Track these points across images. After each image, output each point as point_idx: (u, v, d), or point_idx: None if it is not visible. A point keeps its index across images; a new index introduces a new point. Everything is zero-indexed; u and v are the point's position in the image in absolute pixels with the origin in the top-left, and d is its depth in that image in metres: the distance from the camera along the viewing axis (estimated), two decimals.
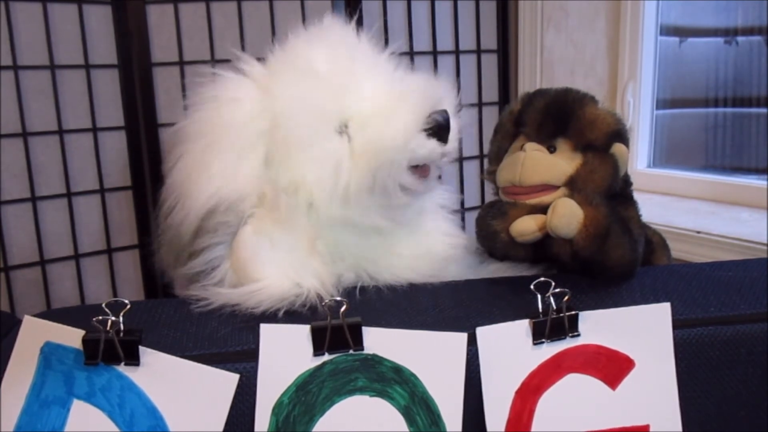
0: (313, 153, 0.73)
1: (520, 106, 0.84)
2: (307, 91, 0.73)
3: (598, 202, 0.74)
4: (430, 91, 0.74)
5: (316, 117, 0.73)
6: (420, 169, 0.75)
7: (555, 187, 0.79)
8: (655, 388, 0.70)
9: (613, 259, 0.74)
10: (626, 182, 0.85)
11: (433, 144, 0.72)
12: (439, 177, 0.87)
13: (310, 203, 0.74)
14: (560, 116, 0.80)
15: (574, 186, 0.78)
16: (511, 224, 0.75)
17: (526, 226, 0.74)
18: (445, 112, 0.73)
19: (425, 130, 0.72)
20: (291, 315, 0.69)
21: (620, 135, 0.80)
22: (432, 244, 0.81)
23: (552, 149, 0.80)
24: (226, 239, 0.73)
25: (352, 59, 0.76)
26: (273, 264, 0.72)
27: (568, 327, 0.69)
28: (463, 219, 1.03)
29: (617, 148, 0.79)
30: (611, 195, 0.79)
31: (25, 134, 1.22)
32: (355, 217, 0.74)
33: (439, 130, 0.72)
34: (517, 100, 0.86)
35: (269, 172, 0.74)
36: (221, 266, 0.73)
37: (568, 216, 0.71)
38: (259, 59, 0.80)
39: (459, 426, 0.66)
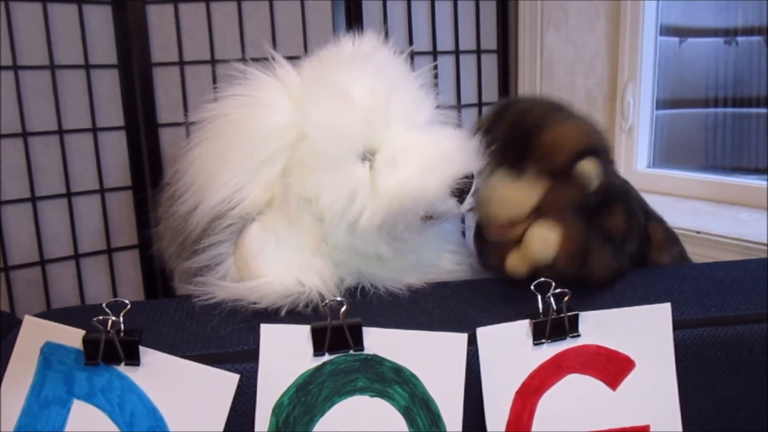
0: (333, 177, 0.73)
1: (485, 127, 0.80)
2: (338, 118, 0.72)
3: (571, 220, 0.74)
4: (465, 154, 0.75)
5: (343, 144, 0.73)
6: (428, 216, 0.75)
7: (520, 221, 0.76)
8: (655, 388, 0.70)
9: (598, 272, 0.73)
10: (608, 189, 0.78)
11: (452, 203, 0.74)
12: None
13: (319, 219, 0.74)
14: (520, 143, 0.76)
15: (541, 213, 0.76)
16: (505, 263, 0.75)
17: (516, 267, 0.74)
18: (472, 177, 0.74)
19: (451, 190, 0.73)
20: (291, 315, 0.69)
21: (589, 151, 0.75)
22: (436, 259, 0.82)
23: (521, 172, 0.77)
24: (232, 237, 0.73)
25: (389, 90, 0.75)
26: (277, 261, 0.72)
27: (569, 327, 0.69)
28: (463, 221, 1.03)
29: (582, 167, 0.74)
30: (588, 207, 0.77)
31: (25, 134, 1.22)
32: (358, 245, 0.74)
33: (461, 192, 0.73)
34: (489, 112, 0.83)
35: (284, 180, 0.74)
36: (225, 262, 0.73)
37: (542, 245, 0.72)
38: (291, 58, 0.79)
39: (459, 426, 0.66)
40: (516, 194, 0.76)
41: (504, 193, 0.77)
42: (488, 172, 0.79)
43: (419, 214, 0.74)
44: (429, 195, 0.72)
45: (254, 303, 0.70)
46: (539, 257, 0.72)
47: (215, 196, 0.72)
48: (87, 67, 1.26)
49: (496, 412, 0.67)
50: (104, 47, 1.27)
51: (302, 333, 0.66)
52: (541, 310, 0.69)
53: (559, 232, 0.72)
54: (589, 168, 0.74)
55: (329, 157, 0.72)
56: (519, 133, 0.76)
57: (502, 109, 0.81)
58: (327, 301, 0.67)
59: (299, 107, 0.73)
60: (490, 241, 0.79)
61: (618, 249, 0.76)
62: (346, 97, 0.72)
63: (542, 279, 0.70)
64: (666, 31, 1.50)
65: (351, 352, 0.66)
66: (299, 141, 0.73)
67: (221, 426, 0.64)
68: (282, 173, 0.74)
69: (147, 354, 0.65)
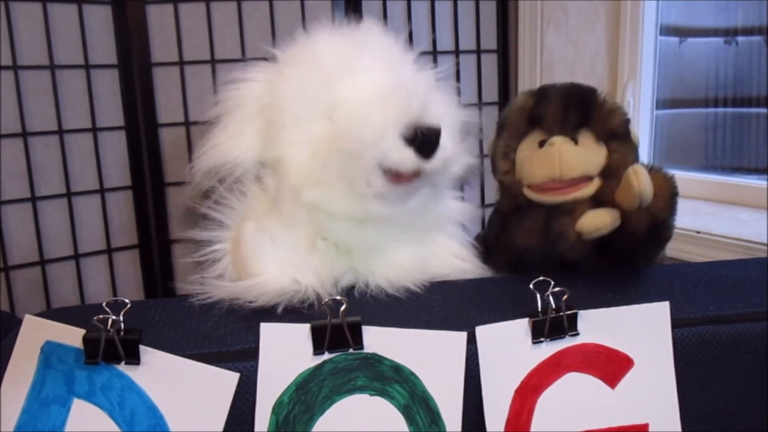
0: (297, 134, 0.75)
1: (533, 102, 0.83)
2: (303, 76, 0.76)
3: (654, 167, 0.76)
4: (419, 98, 0.72)
5: (307, 100, 0.75)
6: (394, 175, 0.72)
7: (591, 179, 0.79)
8: (654, 387, 0.70)
9: (673, 220, 0.76)
10: None
11: (408, 153, 0.70)
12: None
13: (291, 186, 0.74)
14: (583, 106, 0.80)
15: (607, 175, 0.78)
16: (580, 222, 0.73)
17: (601, 221, 0.73)
18: (434, 128, 0.70)
19: (404, 137, 0.69)
20: (291, 314, 0.69)
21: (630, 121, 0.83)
22: (436, 262, 0.81)
23: (575, 141, 0.80)
24: (226, 220, 0.75)
25: (363, 51, 0.77)
26: (273, 260, 0.72)
27: (567, 326, 0.69)
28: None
29: (634, 134, 0.82)
30: None
31: (25, 134, 1.22)
32: (324, 202, 0.74)
33: (420, 142, 0.69)
34: (523, 98, 0.85)
35: (263, 146, 0.77)
36: (222, 260, 0.74)
37: (644, 179, 0.70)
38: None
39: (458, 425, 0.66)
40: (585, 152, 0.79)
41: (573, 151, 0.79)
42: (531, 144, 0.82)
43: (371, 163, 0.71)
44: (371, 134, 0.70)
45: (250, 302, 0.70)
46: (644, 192, 0.69)
47: (212, 154, 0.78)
48: (87, 67, 1.26)
49: (496, 410, 0.67)
50: (104, 47, 1.28)
51: (302, 332, 0.66)
52: (540, 309, 0.69)
53: (651, 175, 0.72)
54: (637, 136, 0.83)
55: (294, 115, 0.75)
56: (579, 99, 0.81)
57: (543, 91, 0.84)
58: (325, 299, 0.67)
59: (277, 76, 0.79)
60: (549, 208, 0.79)
61: None
62: (313, 57, 0.77)
63: (541, 278, 0.69)
64: (666, 31, 1.50)
65: (351, 350, 0.66)
66: (271, 105, 0.77)
67: (221, 424, 0.64)
68: (262, 138, 0.77)
69: (147, 353, 0.65)
